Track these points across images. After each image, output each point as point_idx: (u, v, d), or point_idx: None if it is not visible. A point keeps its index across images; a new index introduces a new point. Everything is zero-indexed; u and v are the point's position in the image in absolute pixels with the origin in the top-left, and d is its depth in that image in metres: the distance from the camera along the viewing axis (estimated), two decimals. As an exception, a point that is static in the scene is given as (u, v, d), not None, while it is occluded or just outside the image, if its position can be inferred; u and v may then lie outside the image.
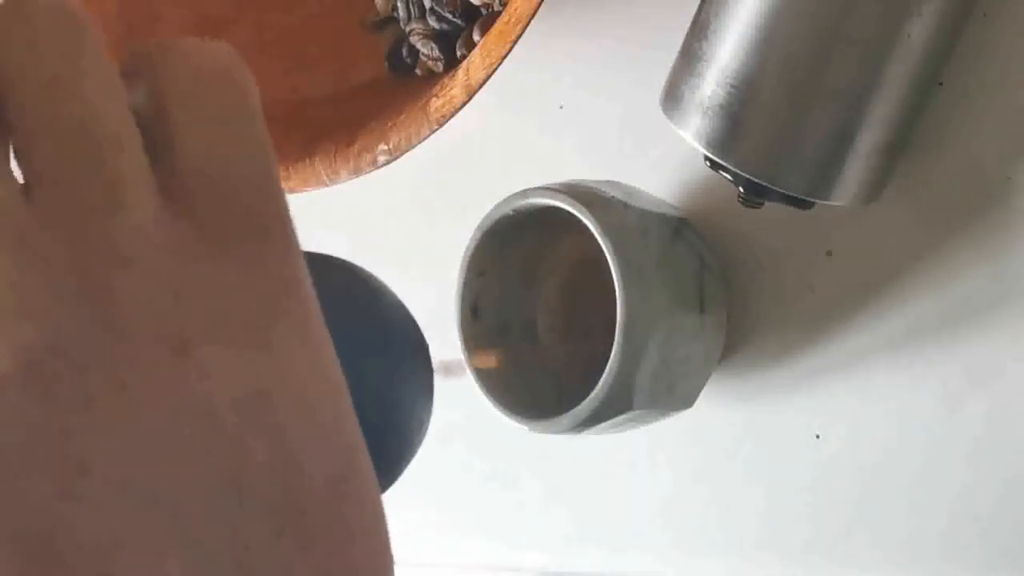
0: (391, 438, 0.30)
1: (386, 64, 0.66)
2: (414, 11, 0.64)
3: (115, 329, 0.21)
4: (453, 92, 0.54)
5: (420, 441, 0.31)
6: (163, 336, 0.21)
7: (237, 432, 0.21)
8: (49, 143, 0.21)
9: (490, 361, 0.57)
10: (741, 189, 0.51)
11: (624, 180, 0.56)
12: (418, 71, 0.65)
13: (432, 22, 0.63)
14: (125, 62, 0.23)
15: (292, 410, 0.22)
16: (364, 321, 0.31)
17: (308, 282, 0.23)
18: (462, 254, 0.56)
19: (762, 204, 0.52)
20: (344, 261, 0.31)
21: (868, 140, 0.49)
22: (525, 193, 0.54)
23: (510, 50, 0.52)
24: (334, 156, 0.58)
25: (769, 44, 0.48)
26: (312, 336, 0.23)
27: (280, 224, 0.23)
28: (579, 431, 0.53)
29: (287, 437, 0.22)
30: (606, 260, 0.51)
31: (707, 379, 0.56)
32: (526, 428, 0.55)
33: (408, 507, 0.72)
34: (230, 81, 0.23)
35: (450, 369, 0.57)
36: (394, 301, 0.32)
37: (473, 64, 0.53)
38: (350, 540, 0.23)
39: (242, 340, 0.22)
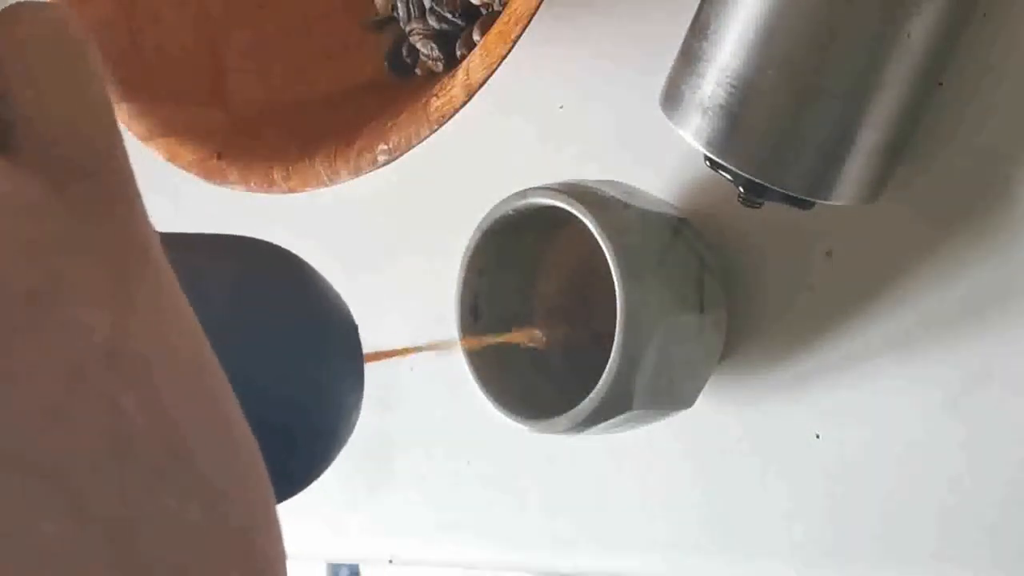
0: (322, 420, 0.31)
1: (386, 64, 0.66)
2: (414, 11, 0.64)
3: None
4: (453, 92, 0.54)
5: (352, 424, 0.32)
6: (15, 294, 0.21)
7: (106, 386, 0.21)
8: None
9: (489, 361, 0.57)
10: (741, 189, 0.51)
11: (624, 180, 0.56)
12: (418, 71, 0.65)
13: (432, 22, 0.63)
14: None
15: (157, 363, 0.22)
16: (294, 306, 0.31)
17: (158, 244, 0.23)
18: (462, 254, 0.56)
19: (762, 204, 0.52)
20: (271, 244, 0.32)
21: (868, 140, 0.49)
22: (525, 193, 0.54)
23: (510, 50, 0.52)
24: (334, 156, 0.58)
25: (769, 44, 0.48)
26: (168, 294, 0.23)
27: (125, 184, 0.23)
28: (579, 431, 0.53)
29: (155, 388, 0.22)
30: (606, 260, 0.51)
31: (707, 379, 0.56)
32: (526, 428, 0.55)
33: (408, 507, 0.72)
34: (68, 39, 0.23)
35: (449, 368, 0.57)
36: (324, 285, 0.32)
37: (473, 64, 0.53)
38: (235, 486, 0.23)
39: (98, 297, 0.22)
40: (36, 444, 0.20)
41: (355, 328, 0.32)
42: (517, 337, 0.57)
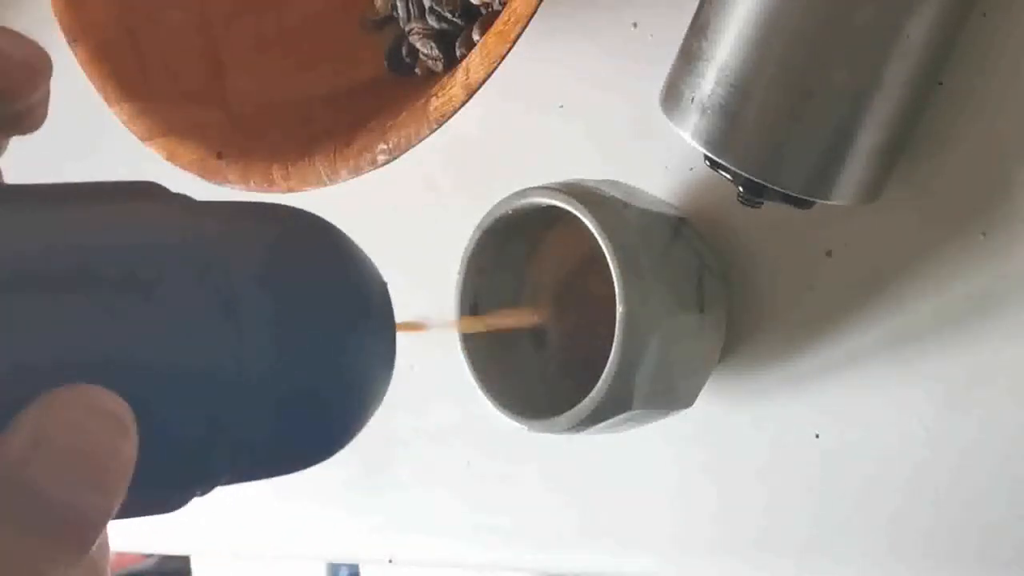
0: (351, 393, 0.32)
1: (386, 64, 0.66)
2: (414, 10, 0.64)
3: None
4: (453, 92, 0.54)
5: (379, 399, 0.32)
6: None
7: None
8: None
9: (489, 361, 0.57)
10: (741, 189, 0.51)
11: (624, 180, 0.56)
12: (418, 71, 0.65)
13: (432, 22, 0.63)
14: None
15: None
16: (326, 276, 0.32)
17: None
18: (462, 254, 0.56)
19: (762, 204, 0.52)
20: (307, 212, 0.33)
21: (868, 140, 0.49)
22: (525, 193, 0.54)
23: (510, 50, 0.52)
24: (334, 156, 0.58)
25: (769, 43, 0.48)
26: None
27: None
28: (579, 431, 0.53)
29: None
30: (606, 260, 0.51)
31: (707, 379, 0.56)
32: (526, 428, 0.55)
33: (408, 507, 0.72)
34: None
35: (449, 368, 0.57)
36: (358, 255, 0.33)
37: (473, 64, 0.53)
38: None
39: None
40: None
41: (387, 295, 0.34)
42: (515, 320, 0.57)
